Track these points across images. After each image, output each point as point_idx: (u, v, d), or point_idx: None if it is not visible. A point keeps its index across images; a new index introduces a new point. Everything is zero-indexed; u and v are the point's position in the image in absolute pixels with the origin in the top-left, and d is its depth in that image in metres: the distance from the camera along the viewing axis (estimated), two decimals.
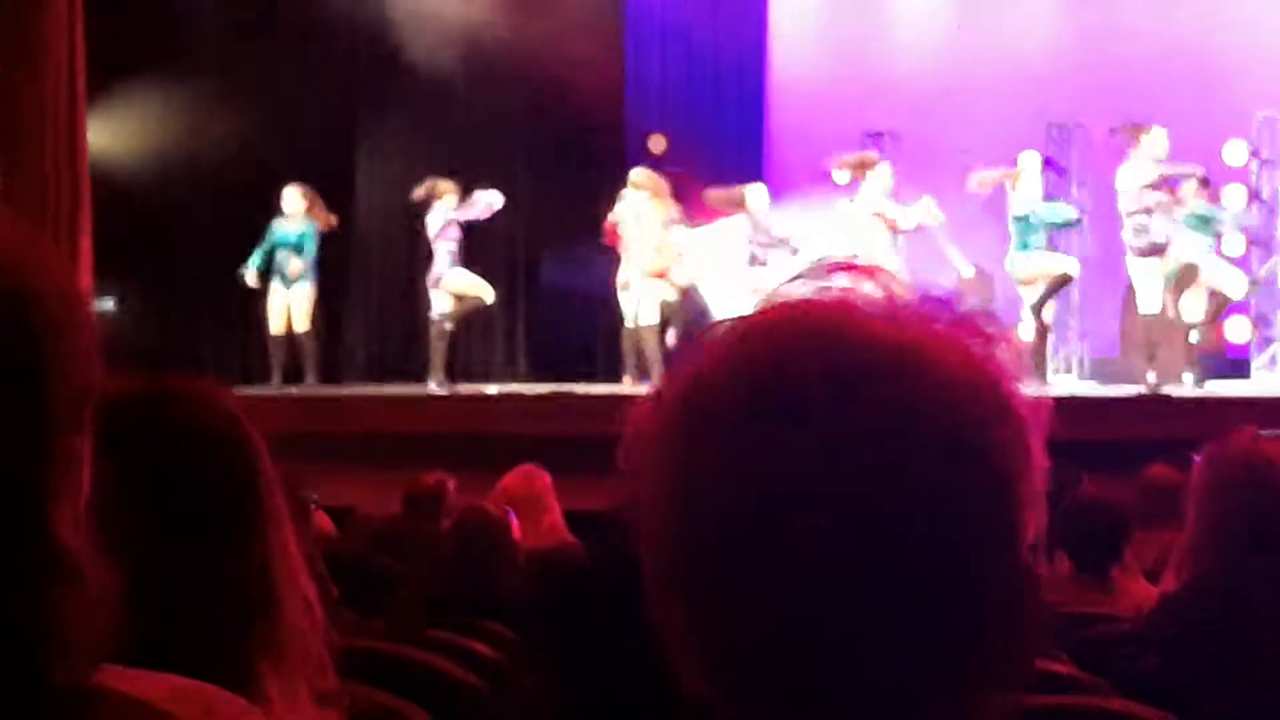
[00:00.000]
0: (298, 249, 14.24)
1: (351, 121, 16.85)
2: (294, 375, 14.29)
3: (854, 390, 1.03)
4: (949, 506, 1.03)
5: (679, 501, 1.07)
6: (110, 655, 1.26)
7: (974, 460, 1.04)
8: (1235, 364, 14.08)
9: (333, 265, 14.96)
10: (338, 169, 16.00)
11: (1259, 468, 3.77)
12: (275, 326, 14.27)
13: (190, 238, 15.71)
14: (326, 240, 14.56)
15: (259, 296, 14.61)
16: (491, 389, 14.54)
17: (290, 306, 14.24)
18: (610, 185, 14.93)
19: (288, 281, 14.22)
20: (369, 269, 16.95)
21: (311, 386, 14.14)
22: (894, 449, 1.02)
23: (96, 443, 1.30)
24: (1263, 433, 4.02)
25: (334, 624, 2.01)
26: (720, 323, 1.12)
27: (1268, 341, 14.83)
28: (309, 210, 14.29)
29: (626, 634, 2.03)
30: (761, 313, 1.11)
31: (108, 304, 14.02)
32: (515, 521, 5.80)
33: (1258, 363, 14.65)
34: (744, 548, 1.04)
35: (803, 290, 1.11)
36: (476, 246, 14.72)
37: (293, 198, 14.30)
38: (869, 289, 1.10)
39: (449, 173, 14.75)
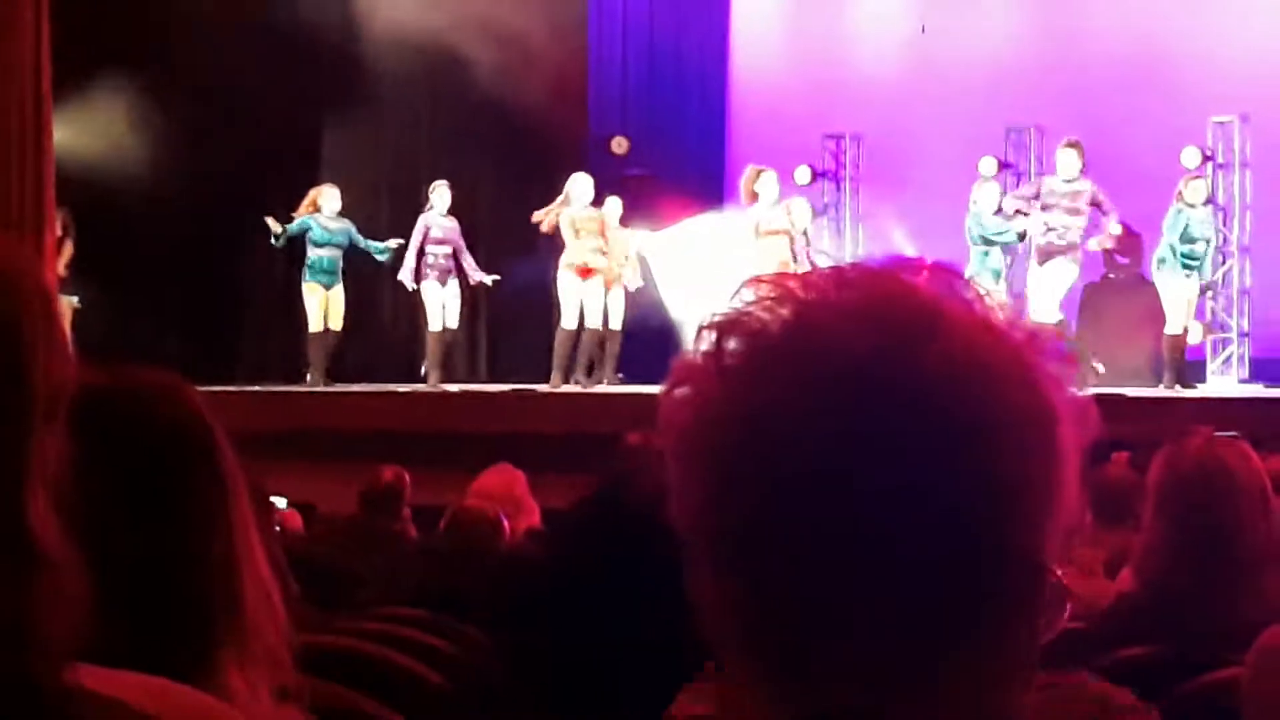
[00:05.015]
0: (342, 248, 14.38)
1: (316, 123, 16.82)
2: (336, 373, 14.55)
3: (926, 400, 1.06)
4: (977, 517, 1.06)
5: (730, 475, 1.08)
6: (79, 650, 1.26)
7: (1009, 480, 1.07)
8: (1191, 366, 14.15)
9: (297, 267, 14.92)
10: (302, 171, 15.94)
11: (1215, 469, 3.80)
12: (315, 324, 14.39)
13: (154, 235, 15.66)
14: (287, 241, 14.57)
15: (225, 294, 14.54)
16: (453, 388, 14.54)
17: (329, 305, 14.36)
18: None
19: (330, 281, 14.32)
20: None
21: (320, 384, 14.33)
22: (935, 459, 1.05)
23: (63, 436, 1.30)
24: (1218, 434, 4.06)
25: (295, 620, 2.01)
26: (783, 284, 1.12)
27: (1223, 344, 14.93)
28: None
29: (586, 630, 2.05)
30: (846, 282, 1.11)
31: (74, 300, 13.98)
32: (506, 524, 5.82)
33: (1213, 366, 14.74)
34: (782, 528, 1.07)
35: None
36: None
37: (336, 198, 14.39)
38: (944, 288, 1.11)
39: (411, 174, 14.80)
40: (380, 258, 14.46)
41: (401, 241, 14.32)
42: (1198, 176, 13.48)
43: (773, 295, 1.11)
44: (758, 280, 1.13)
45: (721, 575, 1.10)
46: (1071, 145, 13.11)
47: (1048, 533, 1.10)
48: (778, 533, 1.07)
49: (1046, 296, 12.82)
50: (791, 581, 1.07)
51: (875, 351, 1.06)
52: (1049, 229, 12.98)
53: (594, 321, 14.00)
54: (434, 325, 14.36)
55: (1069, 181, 13.04)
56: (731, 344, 1.10)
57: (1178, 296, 12.98)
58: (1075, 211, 13.00)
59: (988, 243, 13.52)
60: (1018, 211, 13.35)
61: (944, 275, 1.12)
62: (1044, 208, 13.00)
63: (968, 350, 1.07)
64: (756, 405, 1.07)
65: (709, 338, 1.12)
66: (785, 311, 1.10)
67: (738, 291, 1.13)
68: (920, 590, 1.06)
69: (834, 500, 1.06)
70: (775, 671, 1.10)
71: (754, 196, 13.77)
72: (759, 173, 13.85)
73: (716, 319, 1.12)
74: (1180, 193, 13.07)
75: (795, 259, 13.65)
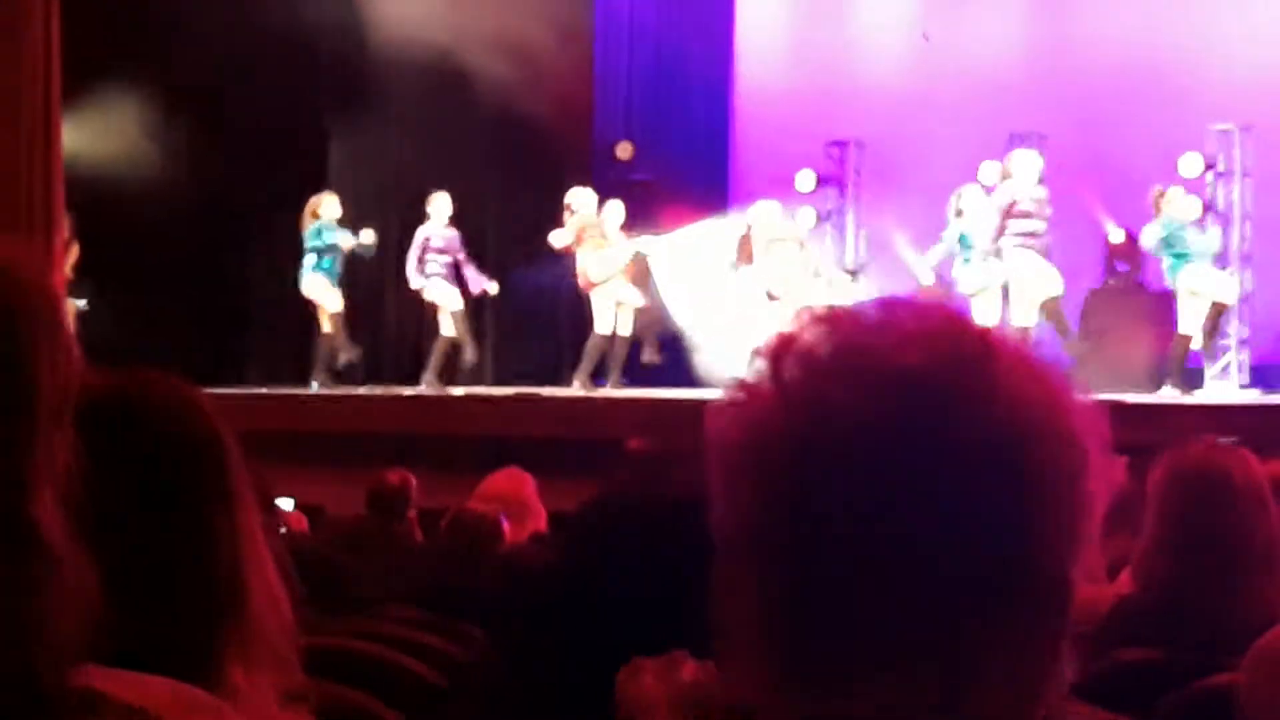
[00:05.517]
0: (342, 255, 14.52)
1: (322, 127, 16.81)
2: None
3: (981, 420, 1.11)
4: (1019, 538, 1.12)
5: (784, 490, 1.13)
6: (87, 651, 1.27)
7: (1041, 504, 1.13)
8: (1189, 373, 14.13)
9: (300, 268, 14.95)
10: (309, 177, 15.94)
11: (1215, 475, 3.81)
12: (326, 325, 14.58)
13: (162, 238, 15.64)
14: (294, 246, 14.62)
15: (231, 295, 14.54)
16: (458, 391, 14.54)
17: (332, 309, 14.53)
18: None
19: (334, 283, 14.48)
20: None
21: (326, 386, 14.46)
22: (985, 478, 1.11)
23: (70, 437, 1.32)
24: (1219, 441, 4.07)
25: (300, 622, 2.01)
26: (834, 312, 1.18)
27: (1222, 351, 14.89)
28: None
29: (591, 632, 2.06)
30: (896, 310, 1.17)
31: (80, 303, 13.98)
32: (506, 525, 5.82)
33: (1212, 372, 14.70)
34: (830, 541, 1.11)
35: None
36: None
37: (335, 205, 14.53)
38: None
39: (417, 181, 14.83)
40: (362, 245, 14.51)
41: (374, 238, 14.50)
42: (1186, 192, 13.42)
43: (825, 321, 1.17)
44: (809, 310, 1.19)
45: (763, 584, 1.14)
46: (1032, 147, 13.04)
47: (1076, 552, 1.15)
48: (826, 545, 1.11)
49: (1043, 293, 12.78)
50: (834, 593, 1.11)
51: (933, 376, 1.11)
52: (1037, 236, 12.89)
53: (605, 328, 14.08)
54: (445, 330, 14.45)
55: (1036, 185, 12.98)
56: (788, 366, 1.15)
57: (1195, 289, 12.92)
58: (1046, 217, 12.97)
59: (968, 247, 13.46)
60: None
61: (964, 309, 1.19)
62: (1027, 215, 12.89)
63: (1014, 374, 1.13)
64: (814, 423, 1.12)
65: (763, 363, 1.17)
66: (841, 337, 1.15)
67: (790, 319, 1.19)
68: (961, 605, 1.11)
69: (884, 515, 1.10)
70: (809, 681, 1.13)
71: (748, 229, 13.81)
72: (748, 224, 13.88)
73: (771, 343, 1.17)
74: (1164, 198, 13.02)
75: (807, 266, 13.66)
